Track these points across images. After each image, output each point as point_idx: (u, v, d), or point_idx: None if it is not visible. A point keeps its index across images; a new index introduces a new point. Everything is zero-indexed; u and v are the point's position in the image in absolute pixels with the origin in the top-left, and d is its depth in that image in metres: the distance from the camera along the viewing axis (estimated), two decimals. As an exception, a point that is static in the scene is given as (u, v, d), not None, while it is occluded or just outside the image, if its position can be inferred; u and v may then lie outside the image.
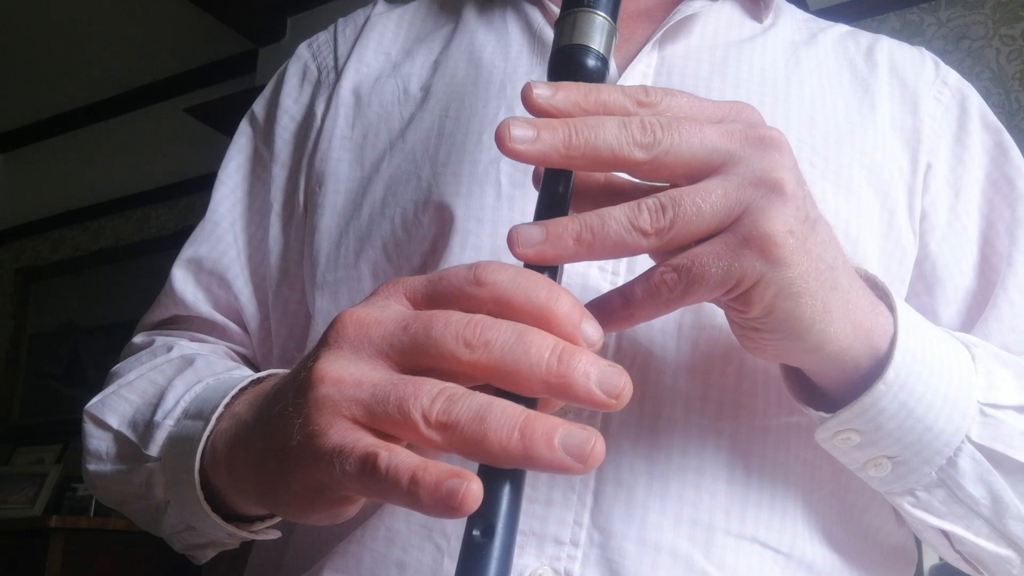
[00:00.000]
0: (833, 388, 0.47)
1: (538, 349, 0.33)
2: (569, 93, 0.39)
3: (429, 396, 0.33)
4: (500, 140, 0.37)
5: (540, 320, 0.35)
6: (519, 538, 0.49)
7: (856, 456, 0.48)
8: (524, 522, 0.50)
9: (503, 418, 0.32)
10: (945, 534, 0.52)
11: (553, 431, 0.32)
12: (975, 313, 0.60)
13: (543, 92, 0.39)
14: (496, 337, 0.34)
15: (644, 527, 0.49)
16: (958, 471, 0.47)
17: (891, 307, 0.46)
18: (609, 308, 0.40)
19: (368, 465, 0.33)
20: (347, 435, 0.34)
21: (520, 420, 0.32)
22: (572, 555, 0.49)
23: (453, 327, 0.34)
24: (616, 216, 0.38)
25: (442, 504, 0.31)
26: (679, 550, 0.49)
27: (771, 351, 0.44)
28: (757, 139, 0.40)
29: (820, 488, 0.53)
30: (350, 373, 0.35)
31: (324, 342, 0.37)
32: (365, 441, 0.34)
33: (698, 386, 0.52)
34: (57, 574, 2.60)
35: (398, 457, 0.32)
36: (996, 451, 0.47)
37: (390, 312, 0.36)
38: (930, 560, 1.54)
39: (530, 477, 0.50)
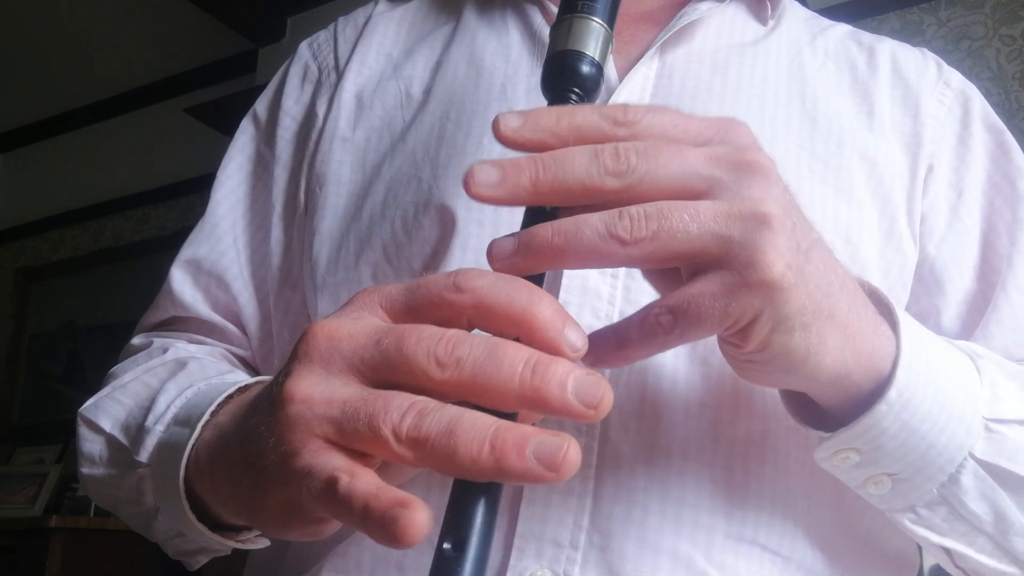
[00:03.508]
0: (834, 407, 0.46)
1: (511, 363, 0.32)
2: (540, 120, 0.38)
3: (399, 411, 0.32)
4: (466, 186, 0.36)
5: (522, 326, 0.34)
6: (518, 541, 0.49)
7: (856, 475, 0.47)
8: (523, 524, 0.49)
9: (473, 431, 0.31)
10: (947, 551, 0.51)
11: (524, 441, 0.31)
12: (976, 315, 0.60)
13: (511, 123, 0.38)
14: (468, 353, 0.33)
15: (644, 529, 0.49)
16: (960, 488, 0.46)
17: (894, 323, 0.45)
18: (605, 348, 0.39)
19: (329, 489, 0.32)
20: (317, 456, 0.33)
21: (490, 432, 0.31)
22: (572, 557, 0.49)
23: (425, 344, 0.33)
24: (592, 223, 0.36)
25: (387, 533, 0.30)
26: (679, 552, 0.49)
27: (767, 380, 0.44)
28: (743, 164, 0.38)
29: (819, 492, 0.53)
30: (320, 391, 0.34)
31: (295, 355, 0.36)
32: (332, 464, 0.33)
33: (697, 390, 0.51)
34: (57, 574, 2.60)
35: (356, 483, 0.32)
36: (1000, 467, 0.46)
37: (362, 325, 0.35)
38: (930, 560, 1.53)
39: (529, 480, 0.50)
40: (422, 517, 0.30)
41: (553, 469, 0.31)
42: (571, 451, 0.31)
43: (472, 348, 0.33)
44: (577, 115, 0.39)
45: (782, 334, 0.39)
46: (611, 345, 0.40)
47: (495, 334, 0.34)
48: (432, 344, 0.33)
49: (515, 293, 0.34)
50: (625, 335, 0.39)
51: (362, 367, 0.34)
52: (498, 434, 0.31)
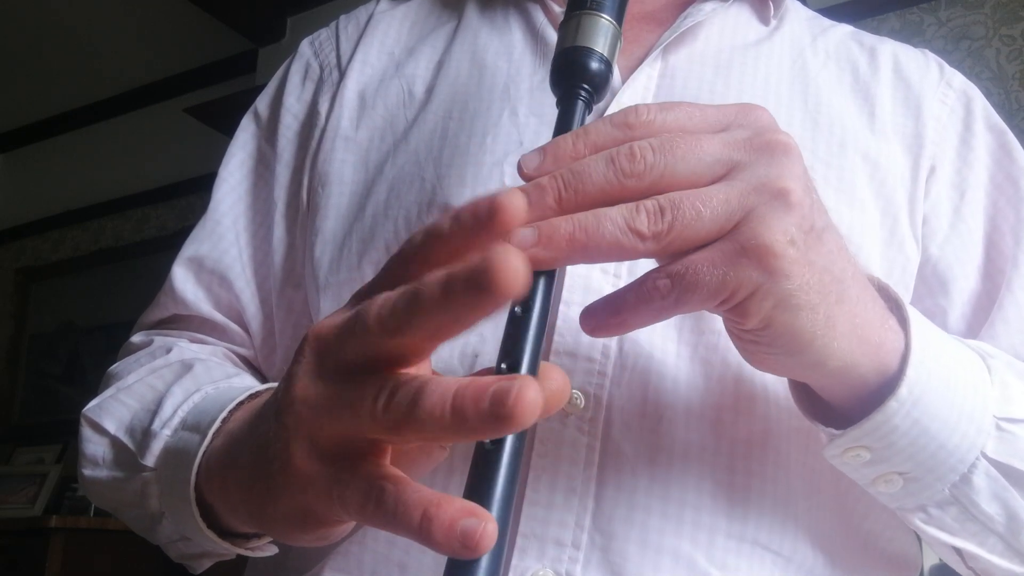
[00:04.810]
0: (841, 403, 0.46)
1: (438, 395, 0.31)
2: (558, 150, 0.38)
3: (372, 395, 0.32)
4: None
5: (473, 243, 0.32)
6: (520, 541, 0.49)
7: (866, 473, 0.47)
8: (525, 524, 0.49)
9: (435, 395, 0.30)
10: (958, 551, 0.51)
11: (483, 391, 0.29)
12: (981, 316, 0.60)
13: (531, 162, 0.38)
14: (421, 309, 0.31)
15: (646, 529, 0.49)
16: (972, 488, 0.46)
17: (903, 319, 0.45)
18: (602, 313, 0.39)
19: (373, 498, 0.32)
20: (334, 461, 0.33)
21: (452, 392, 0.30)
22: (574, 557, 0.49)
23: (377, 305, 0.32)
24: (612, 217, 0.36)
25: (458, 545, 0.30)
26: (681, 552, 0.49)
27: (772, 365, 0.43)
28: (764, 144, 0.38)
29: (820, 492, 0.53)
30: (315, 391, 0.34)
31: (295, 360, 0.36)
32: (363, 470, 0.33)
33: (698, 390, 0.51)
34: (57, 574, 2.60)
35: (405, 492, 0.31)
36: (1012, 467, 0.46)
37: (343, 316, 0.35)
38: (930, 560, 1.53)
39: (531, 480, 0.50)
40: (494, 527, 0.30)
41: (507, 409, 0.28)
42: (523, 389, 0.28)
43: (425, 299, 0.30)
44: (591, 133, 0.39)
45: (787, 312, 0.39)
46: (608, 311, 0.39)
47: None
48: (385, 305, 0.31)
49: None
50: (622, 300, 0.39)
51: (345, 356, 0.34)
52: (459, 392, 0.30)
